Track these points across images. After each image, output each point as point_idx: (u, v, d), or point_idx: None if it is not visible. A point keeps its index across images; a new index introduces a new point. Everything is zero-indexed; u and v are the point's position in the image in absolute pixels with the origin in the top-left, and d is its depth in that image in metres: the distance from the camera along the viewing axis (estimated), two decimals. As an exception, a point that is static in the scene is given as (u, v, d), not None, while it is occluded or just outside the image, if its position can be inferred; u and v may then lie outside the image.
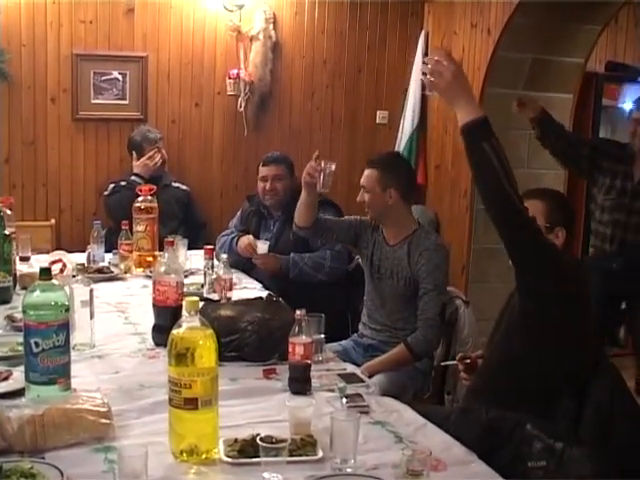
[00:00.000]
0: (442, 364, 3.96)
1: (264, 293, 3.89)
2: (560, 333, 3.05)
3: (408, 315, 4.11)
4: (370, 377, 3.48)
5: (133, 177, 6.01)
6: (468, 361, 3.50)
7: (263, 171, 5.26)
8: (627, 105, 6.49)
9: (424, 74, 3.05)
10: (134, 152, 6.21)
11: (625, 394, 3.02)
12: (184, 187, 6.36)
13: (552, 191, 3.46)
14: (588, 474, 2.39)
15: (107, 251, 4.96)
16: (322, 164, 4.15)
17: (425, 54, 7.19)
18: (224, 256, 4.39)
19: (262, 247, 5.02)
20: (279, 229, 5.20)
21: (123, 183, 6.01)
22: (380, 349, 4.17)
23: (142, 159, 6.10)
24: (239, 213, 5.52)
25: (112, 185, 6.11)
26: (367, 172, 4.30)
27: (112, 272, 4.73)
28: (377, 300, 4.34)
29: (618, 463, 2.60)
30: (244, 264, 5.11)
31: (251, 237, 5.14)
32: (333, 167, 4.19)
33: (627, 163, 5.07)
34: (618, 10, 6.43)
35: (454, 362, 3.65)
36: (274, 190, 5.18)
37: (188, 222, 6.20)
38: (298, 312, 3.00)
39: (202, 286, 4.38)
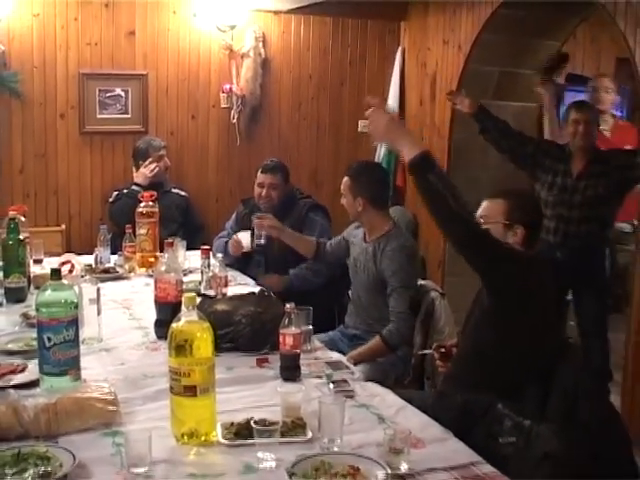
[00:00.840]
0: (419, 353, 3.96)
1: (257, 289, 3.89)
2: (523, 326, 3.06)
3: (381, 307, 4.12)
4: (355, 365, 3.48)
5: (133, 186, 6.01)
6: (443, 350, 3.51)
7: (261, 177, 5.24)
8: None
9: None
10: (139, 160, 6.20)
11: (589, 375, 3.04)
12: (183, 193, 6.36)
13: (518, 191, 3.46)
14: (554, 449, 2.40)
15: (113, 253, 4.94)
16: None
17: (402, 68, 7.23)
18: (219, 255, 4.40)
19: (244, 236, 4.98)
20: (271, 231, 5.18)
21: (125, 191, 6.01)
22: (364, 338, 4.17)
23: (141, 169, 6.10)
24: (234, 215, 5.50)
25: (115, 193, 6.11)
26: (344, 179, 4.35)
27: (117, 272, 4.72)
28: (355, 293, 4.36)
29: (582, 439, 2.60)
30: (238, 262, 5.11)
31: (235, 236, 5.11)
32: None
33: (566, 162, 5.12)
34: (576, 27, 6.45)
35: (430, 351, 3.65)
36: (269, 197, 5.17)
37: (187, 225, 6.19)
38: (288, 306, 3.01)
39: (200, 283, 4.37)
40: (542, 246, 5.05)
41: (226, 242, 5.20)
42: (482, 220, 3.27)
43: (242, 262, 5.17)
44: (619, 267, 5.80)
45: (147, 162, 6.12)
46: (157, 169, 6.13)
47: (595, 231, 5.10)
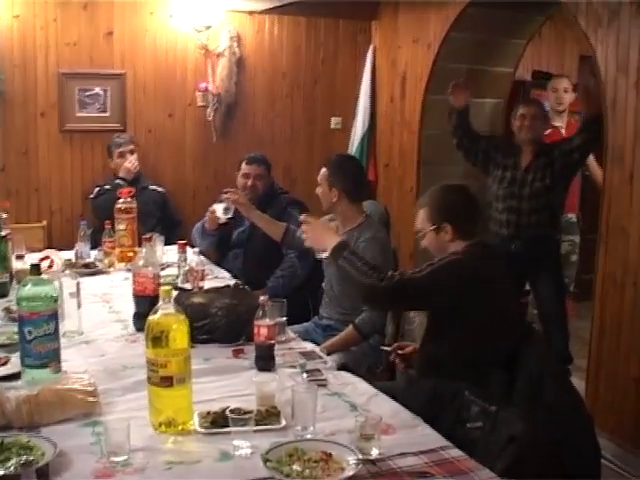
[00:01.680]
0: (381, 348, 3.95)
1: (232, 282, 3.90)
2: (481, 322, 3.06)
3: (354, 297, 4.10)
4: (328, 355, 3.50)
5: (117, 180, 6.00)
6: (401, 352, 3.51)
7: (246, 168, 5.25)
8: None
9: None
10: (109, 157, 6.27)
11: (552, 362, 3.06)
12: (160, 189, 6.36)
13: (433, 193, 3.39)
14: (519, 432, 2.42)
15: (93, 248, 4.94)
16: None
17: (373, 66, 7.23)
18: (196, 249, 4.40)
19: (219, 207, 4.90)
20: (253, 223, 5.17)
21: (108, 187, 5.99)
22: (337, 328, 4.17)
23: (125, 164, 6.10)
24: None
25: (97, 188, 6.10)
26: (322, 170, 4.36)
27: (97, 267, 4.71)
28: (328, 284, 4.37)
29: (546, 422, 2.63)
30: (223, 247, 5.18)
31: (210, 208, 5.05)
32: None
33: (515, 155, 5.23)
34: (541, 26, 6.49)
35: (390, 349, 3.65)
36: (255, 187, 5.17)
37: (165, 220, 6.19)
38: (262, 298, 3.02)
39: (177, 277, 4.39)
40: (496, 240, 5.14)
41: (202, 223, 5.20)
42: (419, 235, 3.34)
43: (220, 255, 5.18)
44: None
45: (131, 157, 6.14)
46: (136, 162, 6.15)
47: (545, 220, 5.18)
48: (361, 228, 4.20)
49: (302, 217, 3.64)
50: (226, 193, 4.81)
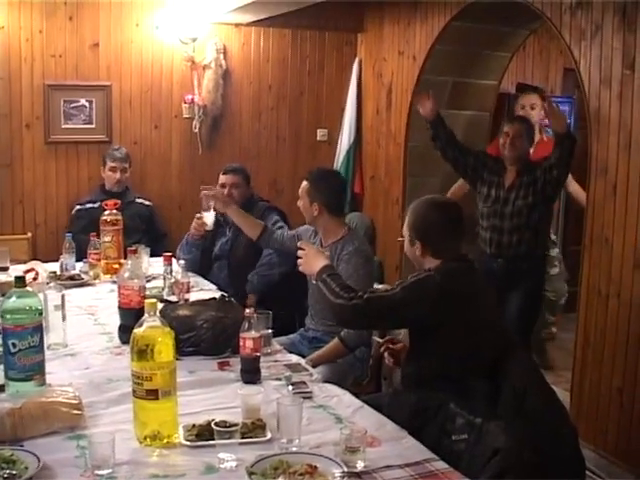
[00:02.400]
0: (373, 338, 3.98)
1: (218, 294, 3.89)
2: (458, 339, 3.04)
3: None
4: (314, 367, 3.50)
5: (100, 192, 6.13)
6: (391, 346, 3.51)
7: (222, 179, 5.27)
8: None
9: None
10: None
11: (537, 374, 3.06)
12: (147, 202, 6.36)
13: (417, 205, 3.34)
14: (503, 444, 2.43)
15: (78, 260, 4.93)
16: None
17: (359, 78, 7.27)
18: (182, 262, 4.40)
19: (207, 215, 4.91)
20: (234, 233, 5.15)
21: (89, 206, 6.07)
22: (323, 340, 4.16)
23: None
24: None
25: (78, 207, 6.18)
26: (303, 183, 4.37)
27: (82, 279, 4.70)
28: (312, 297, 4.35)
29: (530, 433, 2.63)
30: (205, 260, 5.20)
31: (197, 215, 5.06)
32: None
33: (500, 174, 5.17)
34: (525, 39, 6.52)
35: (382, 341, 3.66)
36: (231, 196, 5.16)
37: (150, 233, 6.19)
38: (247, 310, 3.02)
39: (162, 289, 4.38)
40: (481, 256, 5.12)
41: (186, 236, 5.24)
42: (401, 240, 3.37)
43: (205, 267, 5.18)
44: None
45: (122, 176, 6.22)
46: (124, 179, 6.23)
47: (527, 238, 5.06)
48: (344, 241, 4.20)
49: (299, 243, 3.65)
50: (204, 190, 4.83)
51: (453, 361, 3.03)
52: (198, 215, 5.01)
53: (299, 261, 3.53)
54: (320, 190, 4.26)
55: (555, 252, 6.25)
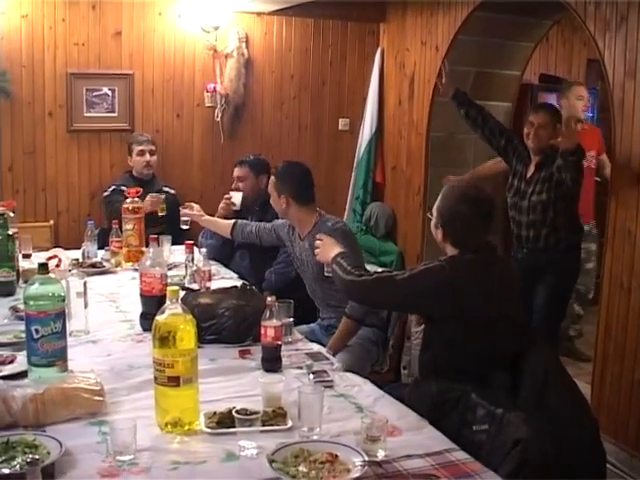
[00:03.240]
0: None
1: (239, 283, 3.89)
2: (473, 334, 3.01)
3: (333, 291, 4.08)
4: (334, 355, 3.50)
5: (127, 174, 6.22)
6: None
7: (234, 172, 5.36)
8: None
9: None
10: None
11: (558, 366, 3.04)
12: (172, 191, 6.32)
13: (448, 192, 3.29)
14: (524, 435, 2.42)
15: (100, 248, 4.95)
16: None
17: (381, 69, 7.25)
18: (203, 250, 4.42)
19: (236, 196, 5.16)
20: (257, 221, 5.18)
21: (123, 187, 6.02)
22: (336, 326, 4.14)
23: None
24: None
25: (112, 187, 6.08)
26: (270, 179, 4.45)
27: (104, 266, 4.73)
28: (310, 288, 4.41)
29: (551, 424, 2.62)
30: (227, 249, 5.23)
31: (226, 195, 5.27)
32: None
33: (525, 163, 5.03)
34: (548, 30, 6.48)
35: None
36: (238, 189, 5.24)
37: (173, 221, 6.17)
38: (269, 299, 3.01)
39: (184, 277, 4.39)
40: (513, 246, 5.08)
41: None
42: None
43: (227, 255, 5.19)
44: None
45: (151, 159, 6.27)
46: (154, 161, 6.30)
47: (544, 234, 4.89)
48: (317, 227, 4.21)
49: (318, 235, 3.69)
50: (183, 208, 5.08)
51: (468, 354, 3.00)
52: (227, 195, 5.17)
53: (316, 251, 3.59)
54: (285, 182, 4.30)
55: (594, 247, 6.16)
